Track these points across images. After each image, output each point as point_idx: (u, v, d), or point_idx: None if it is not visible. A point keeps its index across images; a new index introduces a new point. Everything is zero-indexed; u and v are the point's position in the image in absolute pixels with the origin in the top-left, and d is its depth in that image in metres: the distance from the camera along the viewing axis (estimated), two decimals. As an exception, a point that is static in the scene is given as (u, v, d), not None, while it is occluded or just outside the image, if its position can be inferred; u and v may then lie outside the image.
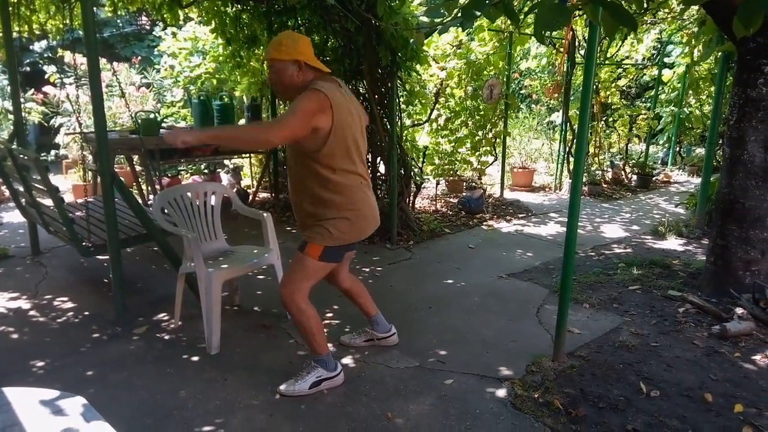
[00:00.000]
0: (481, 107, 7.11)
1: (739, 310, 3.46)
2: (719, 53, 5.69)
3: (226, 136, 2.57)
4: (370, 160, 5.39)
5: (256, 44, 6.29)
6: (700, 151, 10.10)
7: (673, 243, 5.40)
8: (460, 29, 6.82)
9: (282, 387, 2.73)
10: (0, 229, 5.70)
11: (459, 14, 1.94)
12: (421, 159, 6.73)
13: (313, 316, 2.68)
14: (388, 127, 5.16)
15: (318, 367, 2.75)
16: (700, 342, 3.27)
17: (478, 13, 1.93)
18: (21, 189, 3.94)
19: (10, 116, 6.80)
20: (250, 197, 6.79)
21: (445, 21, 2.18)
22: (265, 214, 3.53)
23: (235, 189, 6.81)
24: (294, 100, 2.44)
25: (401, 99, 5.60)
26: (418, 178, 6.12)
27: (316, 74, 2.57)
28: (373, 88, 5.13)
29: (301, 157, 2.56)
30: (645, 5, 4.93)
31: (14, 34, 4.46)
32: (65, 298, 3.90)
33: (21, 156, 3.65)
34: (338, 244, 2.62)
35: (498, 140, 7.45)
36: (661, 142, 10.23)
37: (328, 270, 2.73)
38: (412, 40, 4.68)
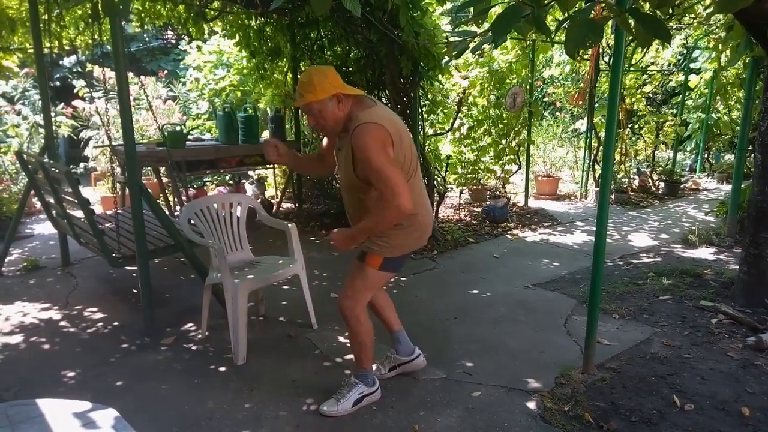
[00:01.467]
0: (504, 115, 7.07)
1: (776, 321, 3.37)
2: (748, 58, 5.58)
3: (371, 230, 2.44)
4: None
5: (280, 56, 6.36)
6: (729, 157, 9.88)
7: (703, 252, 5.28)
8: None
9: (325, 408, 2.66)
10: (31, 240, 5.83)
11: (489, 32, 1.92)
12: (444, 168, 6.71)
13: (370, 328, 2.67)
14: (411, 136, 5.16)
15: (359, 384, 2.72)
16: (734, 354, 3.18)
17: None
18: (52, 201, 4.03)
19: (41, 130, 6.97)
20: (274, 208, 6.83)
21: (475, 38, 2.17)
22: (289, 225, 3.55)
23: (259, 200, 6.87)
24: (364, 152, 2.30)
25: (424, 108, 5.60)
26: (441, 188, 6.10)
27: (352, 100, 2.47)
28: (396, 97, 5.14)
29: (358, 182, 2.46)
30: (671, 11, 4.86)
31: (45, 50, 4.55)
32: (95, 309, 3.96)
33: (52, 169, 3.73)
34: (396, 255, 2.57)
35: (522, 148, 7.40)
36: (688, 149, 10.05)
37: (388, 279, 2.64)
38: (445, 59, 4.67)
